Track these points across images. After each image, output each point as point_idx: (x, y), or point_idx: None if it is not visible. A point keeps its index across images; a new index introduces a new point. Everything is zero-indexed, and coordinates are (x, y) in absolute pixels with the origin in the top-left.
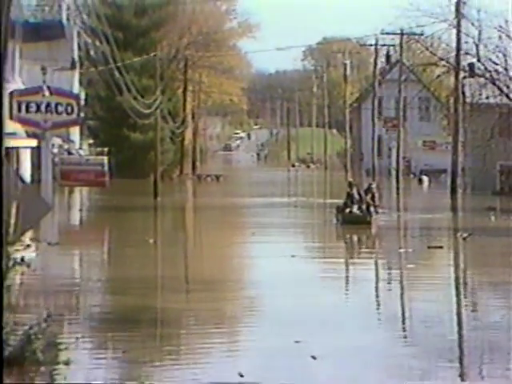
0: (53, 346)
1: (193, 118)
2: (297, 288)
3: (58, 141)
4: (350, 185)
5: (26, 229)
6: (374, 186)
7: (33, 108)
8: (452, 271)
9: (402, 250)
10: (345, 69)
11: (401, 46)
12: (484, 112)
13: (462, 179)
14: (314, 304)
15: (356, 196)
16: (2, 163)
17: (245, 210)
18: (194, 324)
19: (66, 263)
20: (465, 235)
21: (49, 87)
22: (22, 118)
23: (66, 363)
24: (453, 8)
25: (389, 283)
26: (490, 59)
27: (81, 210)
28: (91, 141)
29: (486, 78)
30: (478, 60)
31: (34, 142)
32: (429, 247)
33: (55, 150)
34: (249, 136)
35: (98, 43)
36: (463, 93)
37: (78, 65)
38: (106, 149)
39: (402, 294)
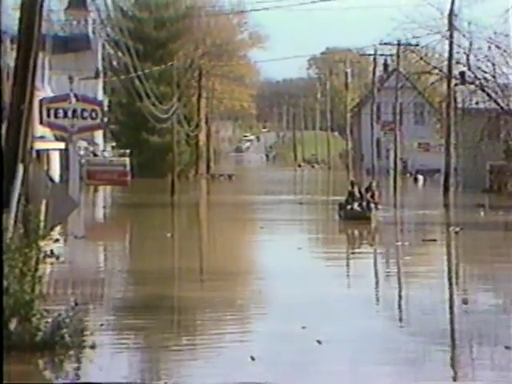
0: (80, 331)
1: (206, 122)
2: (303, 277)
3: (83, 143)
4: (352, 183)
5: (55, 224)
6: (373, 184)
7: (60, 114)
8: (445, 262)
9: (399, 243)
10: (346, 77)
11: (398, 56)
12: (474, 116)
13: (455, 178)
14: (319, 292)
15: (357, 194)
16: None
17: (255, 206)
18: (208, 311)
19: (91, 255)
20: (457, 229)
21: (75, 95)
22: (51, 122)
23: (92, 347)
24: (446, 21)
25: (387, 273)
26: (480, 68)
27: (104, 207)
28: (114, 143)
29: (476, 85)
30: (469, 69)
31: (61, 145)
32: (423, 240)
33: (81, 152)
34: (258, 139)
35: (120, 54)
36: (455, 99)
37: (101, 74)
38: (127, 151)
39: (399, 282)
